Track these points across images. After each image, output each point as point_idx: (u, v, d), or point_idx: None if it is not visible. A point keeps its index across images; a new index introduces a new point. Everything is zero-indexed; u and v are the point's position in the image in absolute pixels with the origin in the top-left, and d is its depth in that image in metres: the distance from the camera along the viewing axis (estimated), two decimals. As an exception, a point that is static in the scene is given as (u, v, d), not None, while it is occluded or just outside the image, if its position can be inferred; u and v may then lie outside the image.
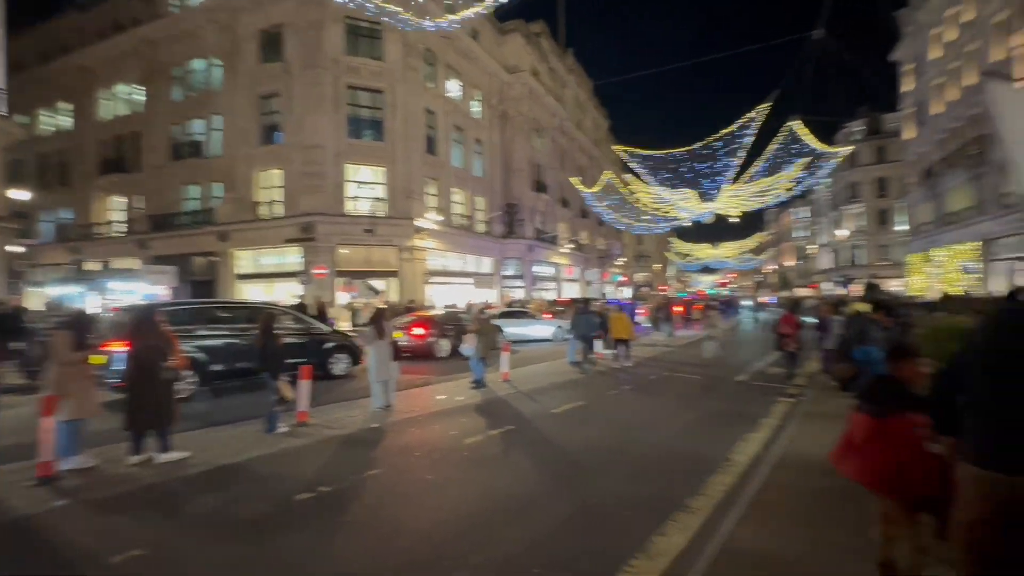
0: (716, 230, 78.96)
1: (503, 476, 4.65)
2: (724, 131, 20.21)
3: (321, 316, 14.00)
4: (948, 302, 13.17)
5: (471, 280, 25.46)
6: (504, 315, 16.76)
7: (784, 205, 48.30)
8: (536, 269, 30.68)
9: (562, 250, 34.17)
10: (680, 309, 25.75)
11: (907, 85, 29.11)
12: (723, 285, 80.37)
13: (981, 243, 20.91)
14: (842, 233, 45.57)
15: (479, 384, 8.70)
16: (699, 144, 21.15)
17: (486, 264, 27.33)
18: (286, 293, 19.77)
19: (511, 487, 4.34)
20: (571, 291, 34.31)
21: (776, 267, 76.44)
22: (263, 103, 21.06)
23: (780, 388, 8.50)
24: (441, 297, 22.08)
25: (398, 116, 21.12)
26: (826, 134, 29.38)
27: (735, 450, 5.24)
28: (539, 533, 3.45)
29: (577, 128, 37.81)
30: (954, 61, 22.89)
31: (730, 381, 9.69)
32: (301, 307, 13.86)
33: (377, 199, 21.09)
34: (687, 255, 74.26)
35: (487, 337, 8.95)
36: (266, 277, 21.59)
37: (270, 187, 21.17)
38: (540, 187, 30.69)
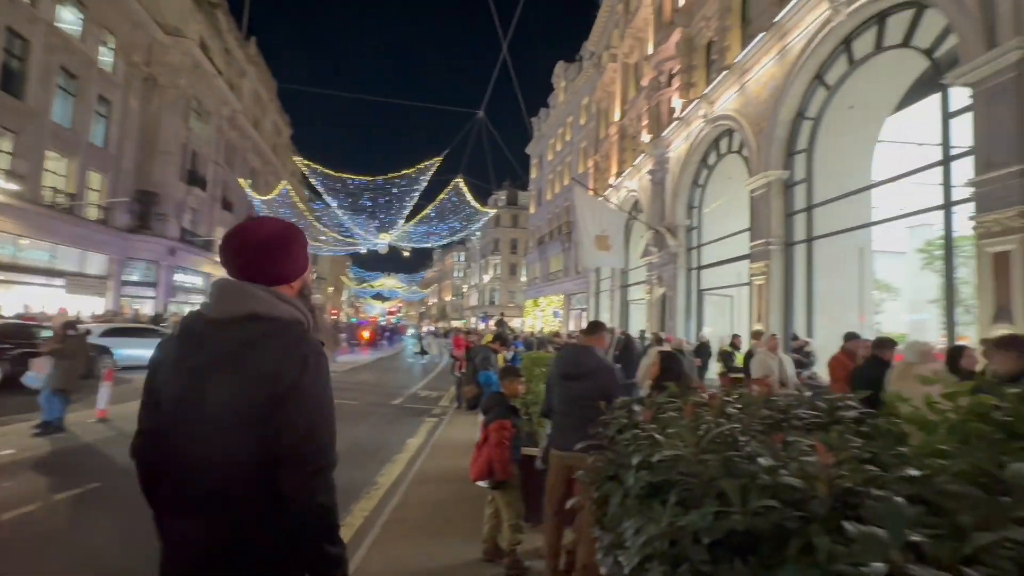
0: (390, 261, 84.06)
1: (65, 562, 3.33)
2: (406, 171, 22.10)
3: None
4: (552, 337, 17.85)
5: (62, 281, 18.42)
6: (115, 332, 12.79)
7: (447, 247, 55.97)
8: (179, 277, 24.92)
9: (218, 258, 29.00)
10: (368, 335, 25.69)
11: (534, 173, 39.14)
12: (392, 313, 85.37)
13: (564, 296, 29.57)
14: (485, 278, 56.17)
15: (51, 427, 6.21)
16: (382, 177, 22.33)
17: (96, 263, 20.39)
18: None
19: None
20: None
21: (437, 300, 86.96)
22: None
23: (428, 409, 9.48)
24: (7, 302, 15.05)
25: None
26: (482, 195, 36.00)
27: (382, 472, 5.44)
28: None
29: (254, 126, 33.69)
30: (559, 165, 32.29)
31: (387, 405, 10.18)
32: None
33: None
34: (363, 281, 75.82)
35: (71, 362, 6.55)
36: None
37: None
38: (195, 179, 25.49)
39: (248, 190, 28.35)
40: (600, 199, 17.40)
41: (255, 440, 1.07)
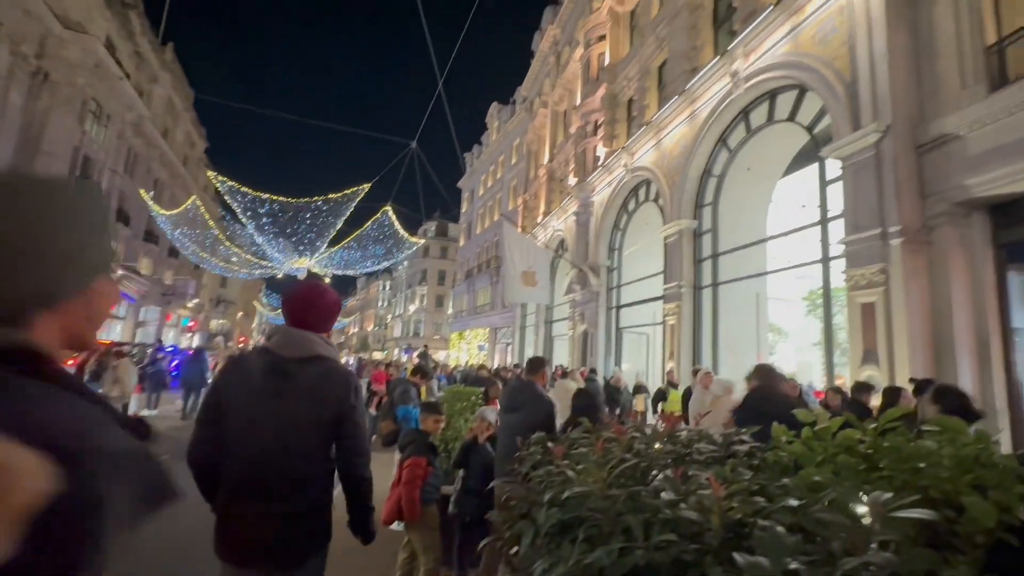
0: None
1: None
2: (332, 195, 21.32)
3: None
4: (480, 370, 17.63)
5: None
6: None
7: (372, 276, 54.26)
8: (52, 295, 21.86)
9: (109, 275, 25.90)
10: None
11: (465, 207, 39.52)
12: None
13: (490, 329, 29.59)
14: (411, 308, 54.87)
15: None
16: (306, 200, 21.36)
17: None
18: None
19: None
20: (115, 331, 26.50)
21: (358, 330, 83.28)
22: None
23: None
24: None
25: None
26: (410, 225, 35.69)
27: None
28: None
29: (164, 135, 31.19)
30: (490, 201, 32.93)
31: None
32: None
33: None
34: (277, 309, 70.97)
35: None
36: None
37: None
38: (86, 188, 22.88)
39: (149, 202, 25.89)
40: (528, 236, 17.90)
41: (323, 440, 1.72)
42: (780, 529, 0.85)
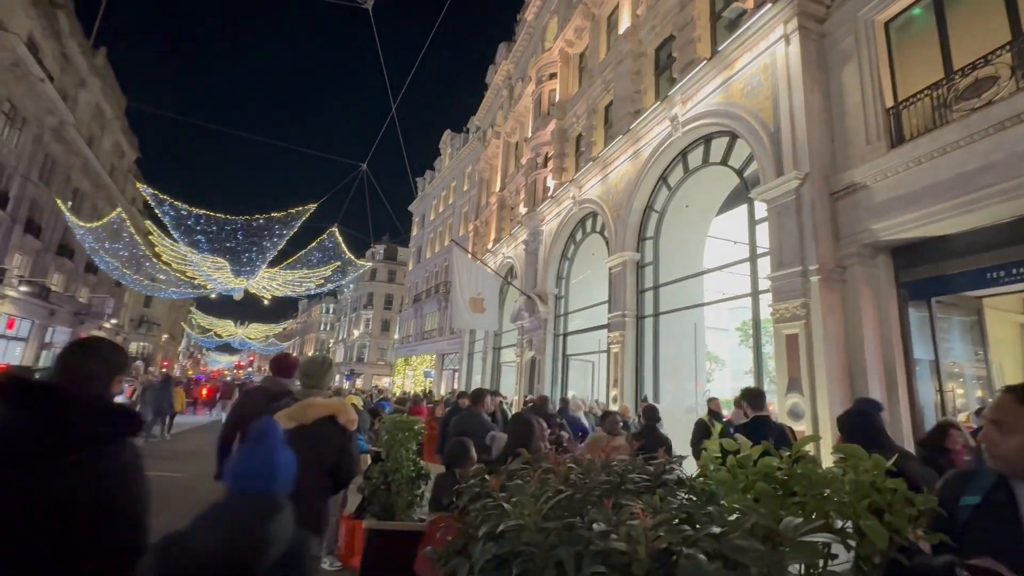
0: (244, 309, 75.42)
1: None
2: (275, 214, 20.52)
3: None
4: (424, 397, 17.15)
5: None
6: None
7: (315, 298, 52.12)
8: (-62, 313, 19.37)
9: (10, 292, 23.34)
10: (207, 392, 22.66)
11: (415, 231, 39.17)
12: (241, 367, 75.51)
13: (437, 355, 29.07)
14: (356, 332, 53.01)
15: None
16: (245, 218, 20.40)
17: None
18: None
19: None
20: (15, 351, 23.70)
21: (299, 354, 79.19)
22: None
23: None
24: None
25: None
26: (358, 248, 34.83)
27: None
28: None
29: (88, 143, 29.03)
30: (440, 226, 32.86)
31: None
32: None
33: None
34: (208, 330, 66.32)
35: None
36: None
37: None
38: (-8, 195, 20.80)
39: (67, 213, 23.82)
40: (478, 262, 17.96)
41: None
42: (702, 557, 0.89)
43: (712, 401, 7.92)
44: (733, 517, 1.13)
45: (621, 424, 6.91)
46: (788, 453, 1.26)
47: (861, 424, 2.80)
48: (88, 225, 23.60)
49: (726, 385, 15.30)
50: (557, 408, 9.40)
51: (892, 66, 7.01)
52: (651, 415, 6.28)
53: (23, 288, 24.02)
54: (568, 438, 6.18)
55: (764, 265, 8.16)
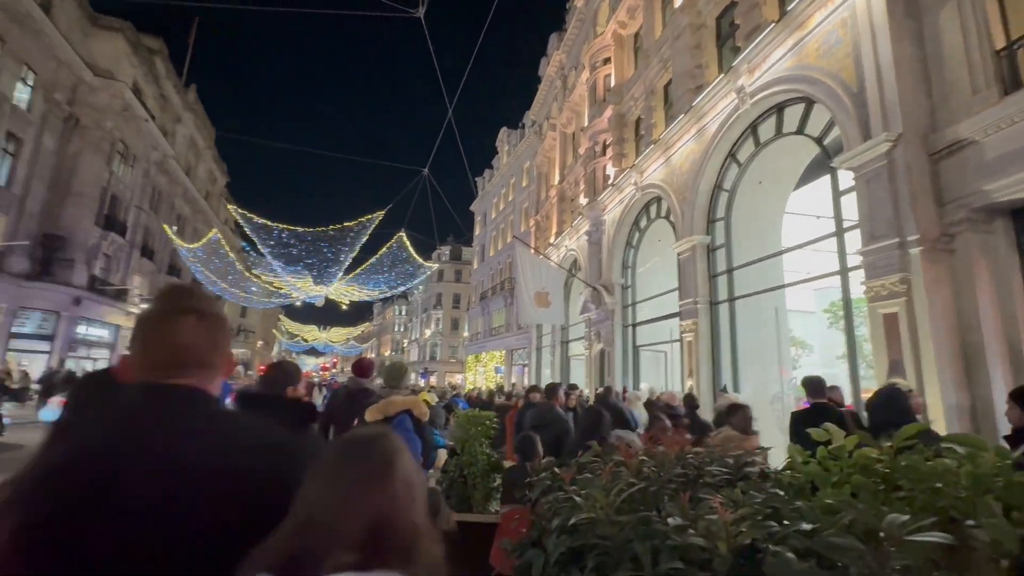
0: (326, 314, 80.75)
1: None
2: (347, 223, 21.81)
3: None
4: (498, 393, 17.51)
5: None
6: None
7: (388, 301, 54.66)
8: (82, 330, 22.51)
9: (132, 309, 26.67)
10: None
11: (478, 230, 39.88)
12: (326, 369, 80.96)
13: (506, 351, 29.45)
14: (427, 332, 55.01)
15: None
16: (321, 229, 21.85)
17: (-20, 313, 18.07)
18: None
19: None
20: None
21: (376, 355, 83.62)
22: None
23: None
24: None
25: None
26: (424, 250, 36.15)
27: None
28: None
29: (186, 172, 32.38)
30: (502, 223, 33.18)
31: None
32: None
33: None
34: (295, 335, 71.81)
35: None
36: None
37: None
38: (113, 224, 23.78)
39: (173, 237, 26.76)
40: (541, 257, 17.94)
41: None
42: (791, 555, 0.83)
43: (833, 390, 6.27)
44: (825, 513, 1.04)
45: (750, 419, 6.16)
46: (890, 444, 1.14)
47: (890, 405, 2.49)
48: (190, 246, 26.34)
49: (816, 371, 14.13)
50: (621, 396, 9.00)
51: (1001, 0, 6.11)
52: (691, 402, 7.19)
53: (144, 306, 27.32)
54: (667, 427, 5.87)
55: (853, 240, 7.45)
